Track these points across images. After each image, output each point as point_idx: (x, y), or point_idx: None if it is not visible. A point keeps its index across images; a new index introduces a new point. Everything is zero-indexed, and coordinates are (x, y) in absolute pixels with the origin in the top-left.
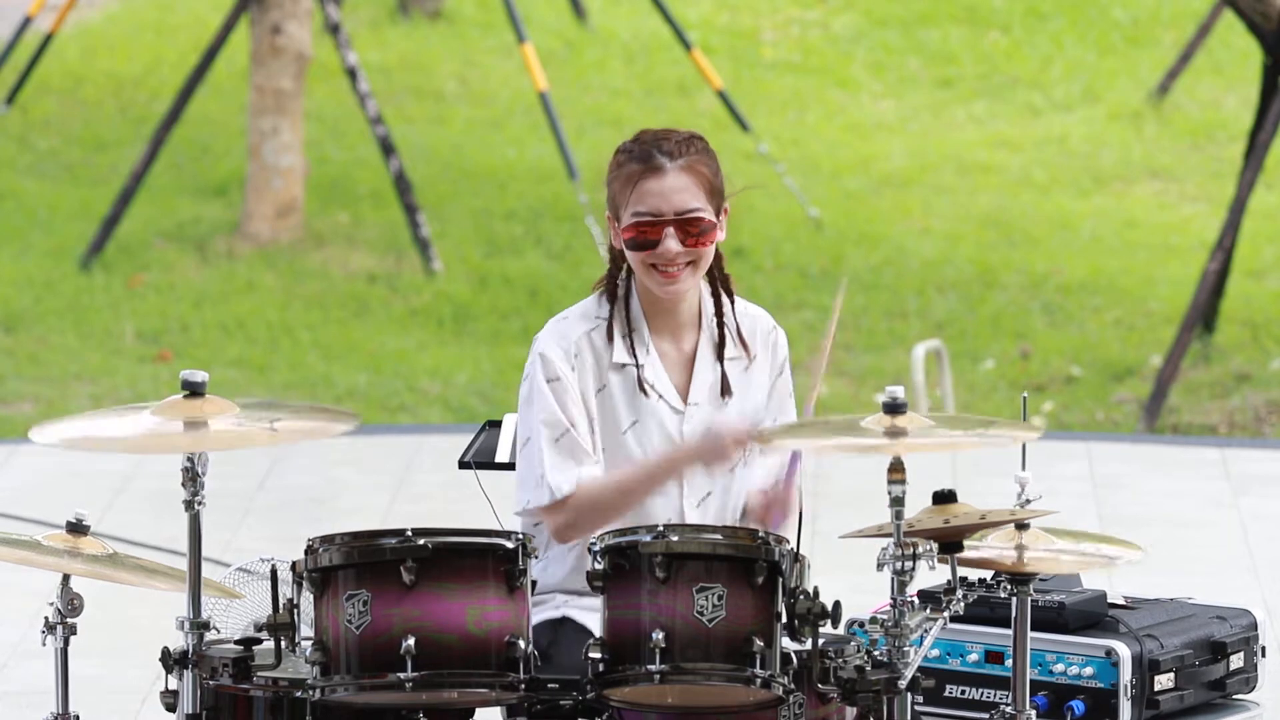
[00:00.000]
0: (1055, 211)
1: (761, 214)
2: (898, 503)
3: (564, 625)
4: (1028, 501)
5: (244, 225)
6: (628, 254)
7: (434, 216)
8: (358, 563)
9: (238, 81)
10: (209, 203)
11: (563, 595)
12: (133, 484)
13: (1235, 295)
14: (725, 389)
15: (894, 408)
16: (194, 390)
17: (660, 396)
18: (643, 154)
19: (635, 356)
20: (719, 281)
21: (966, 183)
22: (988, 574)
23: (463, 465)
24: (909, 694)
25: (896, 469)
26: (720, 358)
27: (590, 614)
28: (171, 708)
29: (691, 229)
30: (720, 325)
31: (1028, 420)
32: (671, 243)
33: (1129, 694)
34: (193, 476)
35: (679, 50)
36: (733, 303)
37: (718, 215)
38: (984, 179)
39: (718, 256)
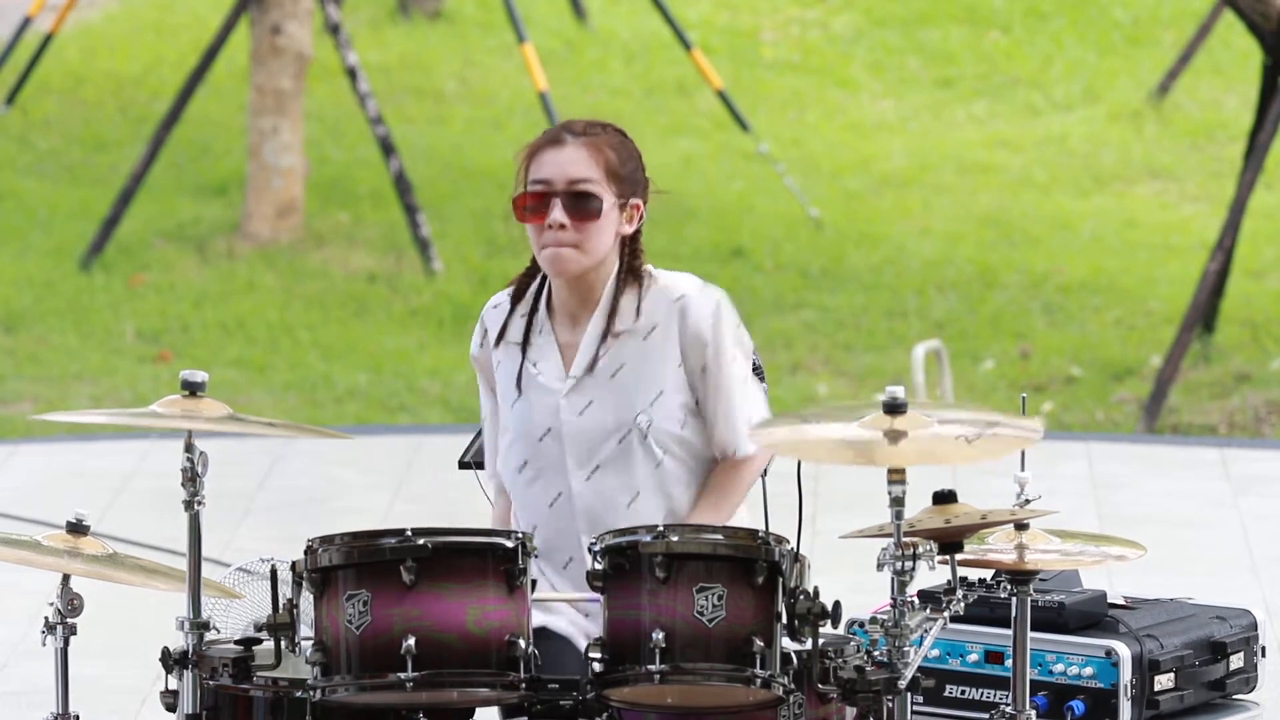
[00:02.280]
0: (1055, 211)
1: (761, 214)
2: (898, 503)
3: (539, 635)
4: (1027, 501)
5: (244, 225)
6: (526, 228)
7: (434, 216)
8: (358, 563)
9: (238, 81)
10: (209, 203)
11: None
12: (133, 484)
13: (1235, 295)
14: (591, 366)
15: (894, 408)
16: (194, 390)
17: (540, 374)
18: (551, 131)
19: (526, 337)
20: (628, 267)
21: (966, 183)
22: (988, 574)
23: (463, 465)
24: (909, 694)
25: (896, 469)
26: (605, 335)
27: (562, 619)
28: (171, 708)
29: (580, 203)
30: (614, 304)
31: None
32: (558, 213)
33: (1129, 694)
34: (192, 476)
35: (679, 50)
36: (640, 283)
37: (620, 201)
38: (984, 179)
39: (634, 245)
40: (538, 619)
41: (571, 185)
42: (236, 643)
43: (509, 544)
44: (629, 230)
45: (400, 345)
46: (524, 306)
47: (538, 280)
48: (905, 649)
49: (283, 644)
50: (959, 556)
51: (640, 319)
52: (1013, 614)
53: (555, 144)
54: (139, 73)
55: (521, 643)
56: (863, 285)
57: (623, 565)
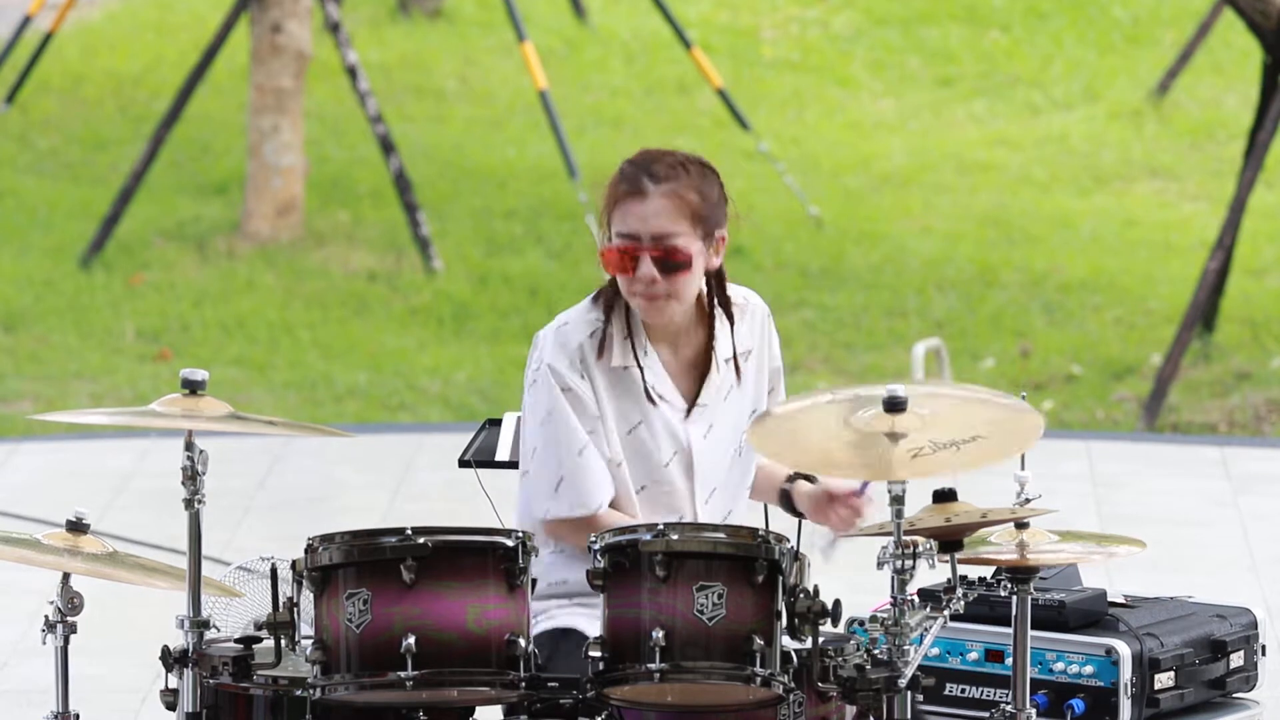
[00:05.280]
0: (1055, 210)
1: (761, 213)
2: (898, 501)
3: (569, 635)
4: (1027, 500)
5: (244, 224)
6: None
7: (434, 215)
8: (358, 561)
9: (238, 80)
10: (209, 201)
11: (558, 601)
12: (133, 483)
13: (1235, 294)
14: (713, 392)
15: (894, 405)
16: (194, 389)
17: (662, 398)
18: (631, 175)
19: (636, 358)
20: (719, 301)
21: (966, 181)
22: (988, 572)
23: (463, 464)
24: (909, 693)
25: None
26: (719, 364)
27: (593, 621)
28: (172, 706)
29: (669, 258)
30: (713, 338)
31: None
32: (647, 268)
33: (1129, 692)
34: (192, 475)
35: (679, 49)
36: (732, 324)
37: (706, 241)
38: (984, 178)
39: (719, 279)
40: (562, 620)
41: (658, 242)
42: (236, 641)
43: (509, 543)
44: (717, 263)
45: (400, 344)
46: (619, 328)
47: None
48: (905, 647)
49: (283, 642)
50: (959, 554)
51: (742, 345)
52: (1013, 612)
53: (638, 195)
54: (139, 72)
55: (521, 642)
56: (863, 284)
57: (623, 564)
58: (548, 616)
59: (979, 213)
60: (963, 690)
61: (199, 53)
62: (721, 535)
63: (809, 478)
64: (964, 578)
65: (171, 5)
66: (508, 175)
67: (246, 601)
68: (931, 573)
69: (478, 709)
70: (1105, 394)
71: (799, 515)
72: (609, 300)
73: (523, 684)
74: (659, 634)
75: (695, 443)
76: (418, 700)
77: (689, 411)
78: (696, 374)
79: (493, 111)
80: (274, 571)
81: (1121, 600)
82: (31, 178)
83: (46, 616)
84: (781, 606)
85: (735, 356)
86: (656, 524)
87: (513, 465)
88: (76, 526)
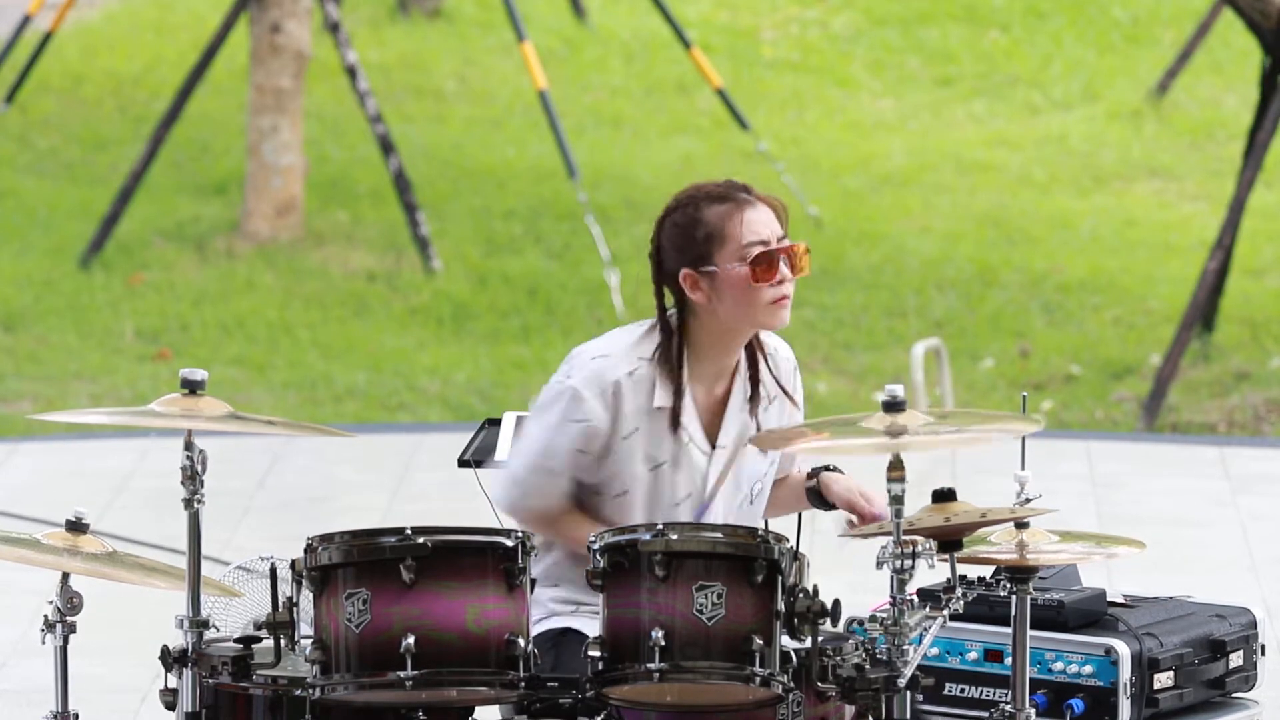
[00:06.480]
0: (1055, 210)
1: None
2: (897, 501)
3: (566, 636)
4: (1027, 500)
5: (243, 224)
6: (740, 292)
7: (433, 215)
8: (357, 561)
9: (237, 80)
10: (208, 201)
11: (561, 604)
12: (132, 482)
13: (1235, 294)
14: (738, 436)
15: (893, 406)
16: (193, 389)
17: (690, 439)
18: (728, 193)
19: (675, 399)
20: (755, 336)
21: (966, 181)
22: (987, 572)
23: (462, 464)
24: (908, 692)
25: (896, 467)
26: (753, 411)
27: (593, 622)
28: (171, 706)
29: (797, 255)
30: (755, 380)
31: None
32: (785, 269)
33: (1128, 692)
34: (192, 475)
35: (678, 49)
36: (764, 355)
37: None
38: (983, 178)
39: None
40: (565, 621)
41: (782, 241)
42: (236, 641)
43: (509, 543)
44: None
45: (399, 344)
46: (664, 366)
47: (674, 344)
48: (905, 647)
49: (282, 642)
50: (958, 554)
51: (783, 392)
52: (1012, 612)
53: (750, 204)
54: (139, 72)
55: (521, 641)
56: (862, 284)
57: (622, 564)
58: (552, 615)
59: (979, 213)
60: (962, 690)
61: (199, 53)
62: (720, 535)
63: (831, 468)
64: (963, 577)
65: (171, 5)
66: (507, 175)
67: (246, 601)
68: (931, 573)
69: (477, 709)
70: (1105, 394)
71: (830, 506)
72: (664, 346)
73: (522, 684)
74: (658, 634)
75: (712, 487)
76: (417, 700)
77: (711, 454)
78: (721, 416)
79: (492, 111)
80: (273, 571)
81: (1121, 600)
82: (31, 178)
83: (46, 616)
84: (781, 606)
85: (755, 414)
86: (655, 524)
87: None
88: (76, 526)
